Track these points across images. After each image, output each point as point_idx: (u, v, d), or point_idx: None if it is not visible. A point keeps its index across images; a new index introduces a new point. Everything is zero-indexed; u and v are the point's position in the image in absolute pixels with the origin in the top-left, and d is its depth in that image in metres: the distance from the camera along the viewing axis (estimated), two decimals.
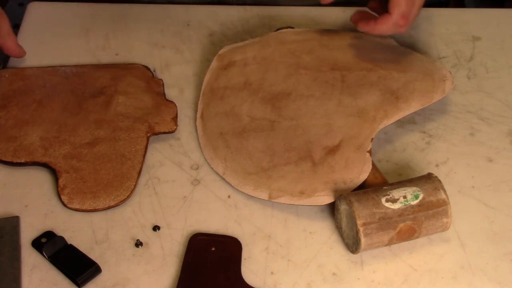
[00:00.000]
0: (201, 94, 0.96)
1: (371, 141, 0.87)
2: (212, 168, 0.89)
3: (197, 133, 0.93)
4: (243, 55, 0.98)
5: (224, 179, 0.87)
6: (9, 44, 0.96)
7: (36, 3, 1.11)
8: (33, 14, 1.10)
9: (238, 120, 0.92)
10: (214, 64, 0.98)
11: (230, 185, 0.87)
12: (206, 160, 0.89)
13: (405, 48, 0.99)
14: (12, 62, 1.01)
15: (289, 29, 1.02)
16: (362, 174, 0.84)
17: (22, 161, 0.88)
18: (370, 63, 0.96)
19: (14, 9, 1.14)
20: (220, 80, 0.96)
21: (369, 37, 1.00)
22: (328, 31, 1.02)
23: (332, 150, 0.87)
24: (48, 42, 1.05)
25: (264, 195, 0.85)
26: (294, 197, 0.84)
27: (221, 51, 0.99)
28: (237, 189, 0.87)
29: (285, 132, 0.90)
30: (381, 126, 0.89)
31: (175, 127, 0.92)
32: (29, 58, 1.02)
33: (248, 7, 1.11)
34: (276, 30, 1.03)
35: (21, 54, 0.98)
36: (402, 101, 0.91)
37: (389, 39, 0.99)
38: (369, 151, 0.86)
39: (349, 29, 1.04)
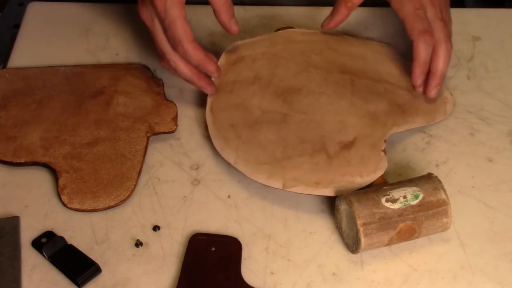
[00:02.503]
0: None
1: (385, 142, 0.87)
2: (223, 157, 0.88)
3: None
4: (251, 51, 0.99)
5: (236, 168, 0.86)
6: (223, 18, 0.92)
7: (36, 3, 1.11)
8: (33, 14, 1.09)
9: (249, 112, 0.92)
10: (222, 60, 0.98)
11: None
12: (216, 150, 0.88)
13: (407, 60, 0.98)
14: (12, 62, 1.01)
15: (296, 29, 1.02)
16: (378, 170, 0.84)
17: (22, 161, 0.88)
18: (376, 75, 0.96)
19: (14, 9, 1.14)
20: (229, 74, 0.96)
21: (374, 47, 1.01)
22: (335, 35, 1.02)
23: (347, 146, 0.87)
24: (48, 42, 1.05)
25: (278, 184, 0.84)
26: (309, 187, 0.83)
27: (229, 47, 0.99)
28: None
29: (298, 125, 0.90)
30: (392, 132, 0.89)
31: (175, 127, 0.92)
32: (29, 58, 1.02)
33: (248, 7, 1.11)
34: (276, 30, 1.03)
35: (235, 30, 0.93)
36: (409, 115, 0.92)
37: (393, 50, 1.00)
38: (384, 150, 0.86)
39: (348, 30, 1.04)
